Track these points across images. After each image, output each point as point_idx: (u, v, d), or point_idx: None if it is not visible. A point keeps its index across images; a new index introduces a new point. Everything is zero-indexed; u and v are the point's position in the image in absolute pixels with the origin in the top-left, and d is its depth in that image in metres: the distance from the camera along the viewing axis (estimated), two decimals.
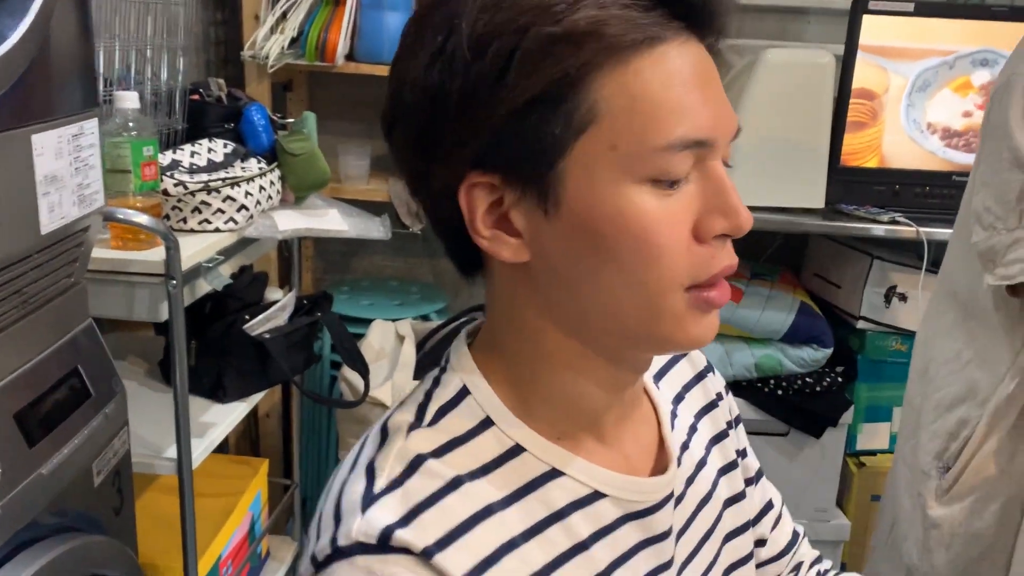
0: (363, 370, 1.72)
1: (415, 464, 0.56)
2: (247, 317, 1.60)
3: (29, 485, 0.99)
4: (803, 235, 2.33)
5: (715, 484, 0.73)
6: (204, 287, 1.48)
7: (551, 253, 0.56)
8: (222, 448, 2.27)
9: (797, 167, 1.90)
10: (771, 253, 2.44)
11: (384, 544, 0.52)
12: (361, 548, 0.52)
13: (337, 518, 0.54)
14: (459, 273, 0.64)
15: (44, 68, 0.98)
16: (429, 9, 0.56)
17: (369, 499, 0.54)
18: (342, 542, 0.53)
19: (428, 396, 0.61)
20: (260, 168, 1.57)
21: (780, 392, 2.02)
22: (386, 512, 0.53)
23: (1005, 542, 1.15)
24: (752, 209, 1.78)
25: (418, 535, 0.52)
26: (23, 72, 0.92)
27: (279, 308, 1.64)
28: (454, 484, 0.56)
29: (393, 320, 2.05)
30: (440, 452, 0.57)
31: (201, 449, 1.49)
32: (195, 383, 1.63)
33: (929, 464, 1.20)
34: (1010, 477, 1.13)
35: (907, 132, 1.94)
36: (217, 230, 1.48)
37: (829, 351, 2.00)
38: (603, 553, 0.60)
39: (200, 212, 1.46)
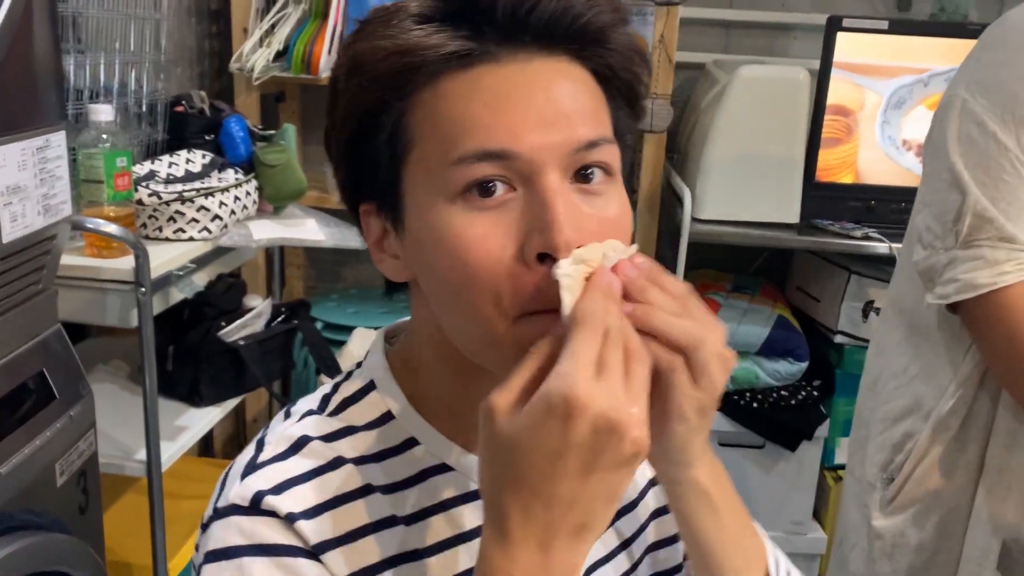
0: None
1: (299, 444, 0.60)
2: (223, 324, 1.64)
3: None
4: (788, 250, 2.35)
5: (642, 494, 0.73)
6: (177, 295, 1.52)
7: (416, 272, 0.60)
8: (208, 452, 2.31)
9: (773, 182, 1.92)
10: (757, 267, 2.46)
11: (255, 506, 0.56)
12: (235, 509, 0.57)
13: (222, 485, 0.60)
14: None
15: (7, 83, 1.03)
16: None
17: (250, 468, 0.59)
18: (221, 504, 0.58)
19: (335, 388, 0.66)
20: (236, 179, 1.61)
21: (756, 405, 2.04)
22: (261, 480, 0.58)
23: (949, 554, 1.16)
24: (728, 224, 1.80)
25: (285, 502, 0.57)
26: None
27: (255, 315, 1.67)
28: (335, 463, 0.60)
29: (375, 328, 2.08)
30: (331, 437, 0.62)
31: (173, 451, 1.52)
32: (172, 387, 1.67)
33: (875, 476, 1.21)
34: (951, 489, 1.14)
35: (883, 148, 1.96)
36: (191, 239, 1.52)
37: (804, 365, 2.02)
38: None
39: (175, 221, 1.51)
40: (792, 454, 2.07)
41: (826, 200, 1.96)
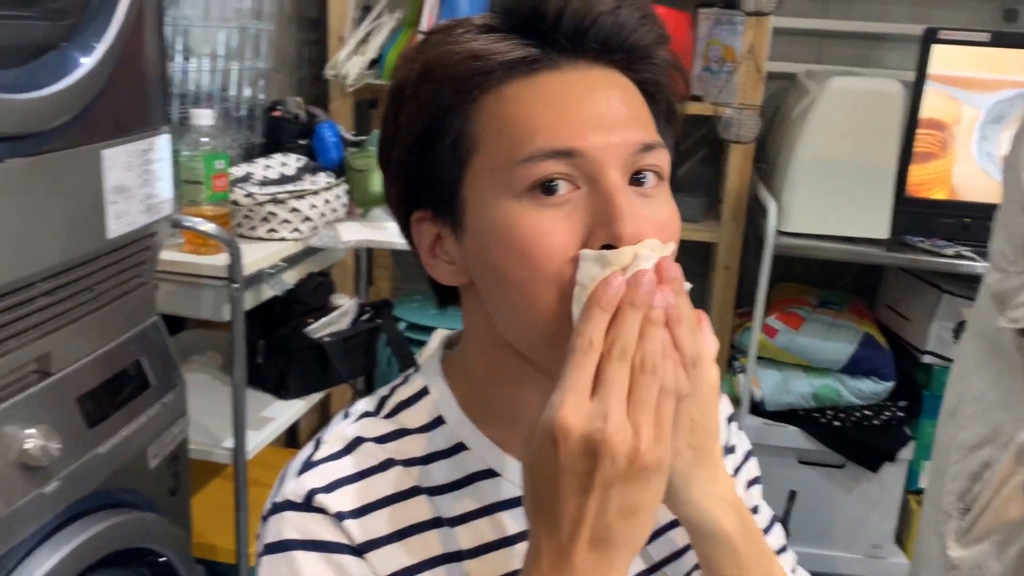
0: None
1: (353, 444, 0.64)
2: (310, 321, 1.71)
3: (86, 462, 1.10)
4: (878, 266, 2.29)
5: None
6: (268, 291, 1.59)
7: (473, 274, 0.62)
8: (293, 443, 2.40)
9: (862, 197, 1.87)
10: (846, 283, 2.40)
11: (308, 503, 0.60)
12: (290, 505, 0.60)
13: (281, 480, 0.64)
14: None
15: (117, 91, 1.10)
16: None
17: (306, 466, 0.63)
18: (278, 499, 0.61)
19: (392, 390, 0.69)
20: (327, 182, 1.67)
21: (837, 423, 1.99)
22: (314, 478, 0.61)
23: None
24: (814, 237, 1.77)
25: (335, 501, 0.60)
26: (95, 95, 1.03)
27: (340, 314, 1.74)
28: (385, 465, 0.63)
29: (455, 329, 2.12)
30: (384, 439, 0.65)
31: (259, 440, 1.60)
32: (261, 380, 1.75)
33: (951, 505, 1.18)
34: None
35: (980, 164, 1.89)
36: (283, 239, 1.59)
37: (890, 384, 1.97)
38: None
39: (268, 221, 1.58)
40: (874, 475, 2.02)
41: (917, 216, 1.91)
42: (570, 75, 0.58)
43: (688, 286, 0.57)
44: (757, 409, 2.04)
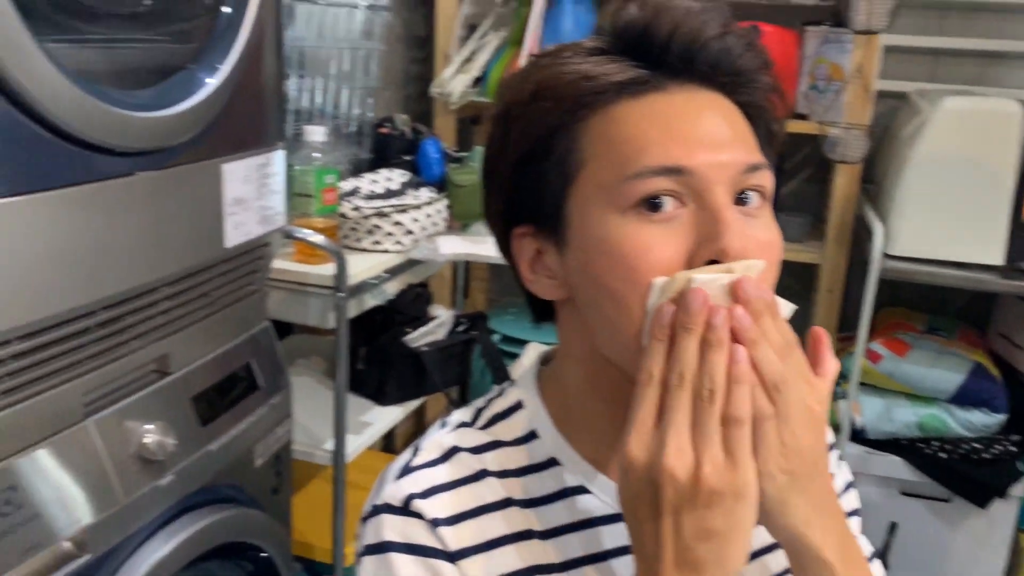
0: None
1: (449, 453, 0.66)
2: (408, 330, 1.76)
3: (198, 459, 1.17)
4: (992, 293, 2.19)
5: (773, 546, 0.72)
6: (370, 301, 1.65)
7: (573, 288, 0.63)
8: (390, 448, 2.47)
9: (975, 221, 1.80)
10: (957, 309, 2.31)
11: (406, 507, 0.63)
12: (389, 508, 0.63)
13: (380, 484, 0.66)
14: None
15: (238, 109, 1.17)
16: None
17: (404, 471, 0.65)
18: (377, 501, 0.64)
19: (488, 402, 0.71)
20: (429, 197, 1.72)
21: (944, 455, 1.92)
22: (412, 483, 0.64)
23: None
24: (923, 262, 1.71)
25: (431, 507, 0.63)
26: (218, 113, 1.10)
27: (437, 324, 1.78)
28: (479, 475, 0.65)
29: (549, 343, 2.14)
30: (479, 449, 0.67)
31: (357, 444, 1.65)
32: (361, 386, 1.81)
33: None
34: None
35: None
36: (386, 251, 1.65)
37: (1002, 417, 1.88)
38: (623, 570, 0.66)
39: (372, 234, 1.64)
40: (982, 512, 1.93)
41: None
42: (678, 96, 0.60)
43: (790, 308, 0.57)
44: (858, 437, 1.98)
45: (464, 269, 2.28)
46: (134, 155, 0.98)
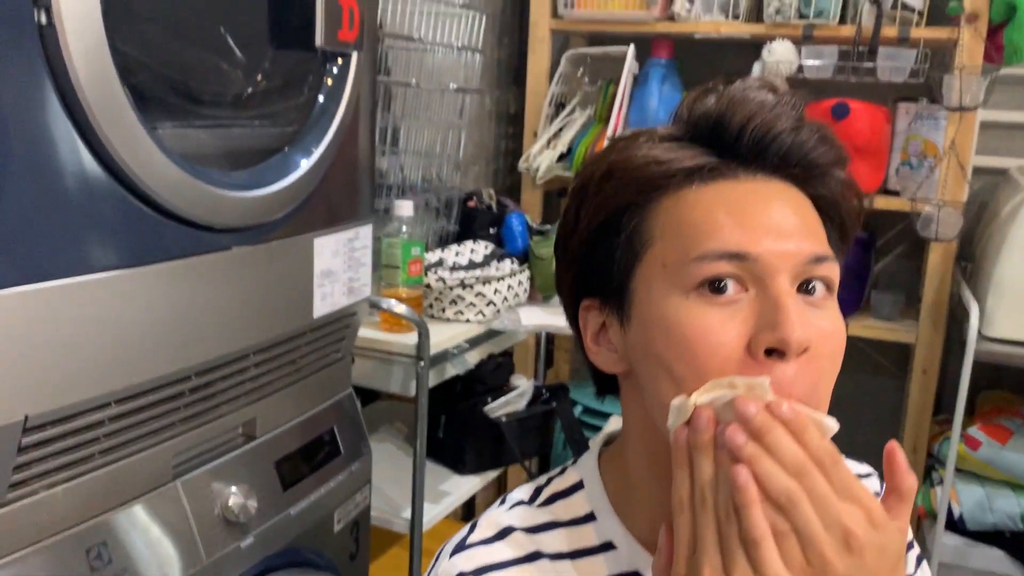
0: None
1: (504, 532, 0.67)
2: (489, 400, 1.78)
3: (279, 522, 1.21)
4: None
5: None
6: (451, 370, 1.68)
7: (633, 363, 0.64)
8: (468, 517, 2.47)
9: None
10: None
11: None
12: None
13: (437, 558, 0.68)
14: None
15: (330, 186, 1.23)
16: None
17: (459, 547, 0.66)
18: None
19: (548, 481, 0.72)
20: (512, 269, 1.76)
21: None
22: (465, 561, 0.65)
23: None
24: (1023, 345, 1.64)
25: None
26: (311, 191, 1.16)
27: (517, 395, 1.80)
28: (532, 557, 0.66)
29: None
30: (534, 530, 0.67)
31: (435, 513, 1.67)
32: (441, 454, 1.83)
33: None
34: None
35: None
36: (468, 321, 1.68)
37: None
38: None
39: (456, 304, 1.68)
40: None
41: None
42: (747, 185, 0.61)
43: (831, 424, 0.55)
44: (956, 527, 1.88)
45: (547, 340, 2.30)
46: (231, 231, 1.05)
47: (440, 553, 0.68)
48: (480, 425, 1.77)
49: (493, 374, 1.83)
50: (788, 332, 0.55)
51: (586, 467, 0.71)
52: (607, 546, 0.67)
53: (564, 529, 0.68)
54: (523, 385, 1.85)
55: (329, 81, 1.18)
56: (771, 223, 0.59)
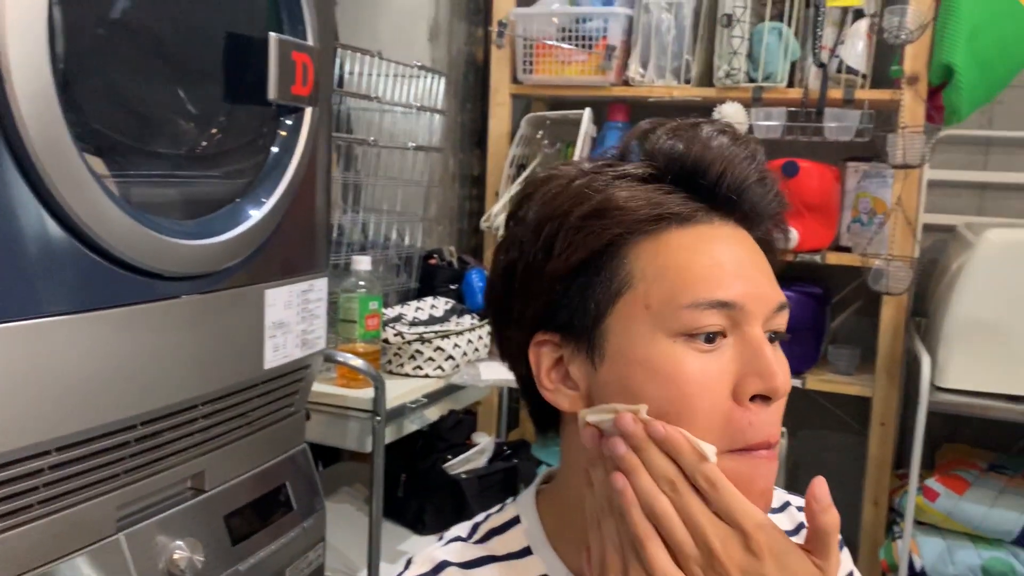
0: None
1: (438, 568, 0.67)
2: (449, 457, 1.77)
3: None
4: None
5: None
6: (410, 426, 1.67)
7: (598, 402, 0.63)
8: None
9: None
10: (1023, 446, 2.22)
11: None
12: None
13: None
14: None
15: (284, 239, 1.25)
16: (514, 210, 0.70)
17: None
18: None
19: (487, 517, 0.72)
20: (471, 324, 1.77)
21: None
22: None
23: None
24: (975, 395, 1.68)
25: None
26: (263, 243, 1.18)
27: (477, 451, 1.79)
28: None
29: None
30: (470, 564, 0.67)
31: (391, 573, 1.63)
32: (401, 514, 1.81)
33: None
34: None
35: None
36: (427, 376, 1.68)
37: None
38: None
39: (415, 359, 1.68)
40: None
41: None
42: (721, 231, 0.63)
43: (708, 450, 0.57)
44: None
45: (510, 398, 2.30)
46: (180, 279, 1.05)
47: None
48: (440, 483, 1.76)
49: (453, 431, 1.82)
50: (776, 381, 0.59)
51: (524, 503, 0.71)
52: None
53: (500, 564, 0.68)
54: (484, 442, 1.85)
55: (282, 134, 1.20)
56: (750, 272, 0.62)
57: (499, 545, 0.69)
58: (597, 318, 0.63)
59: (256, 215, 1.14)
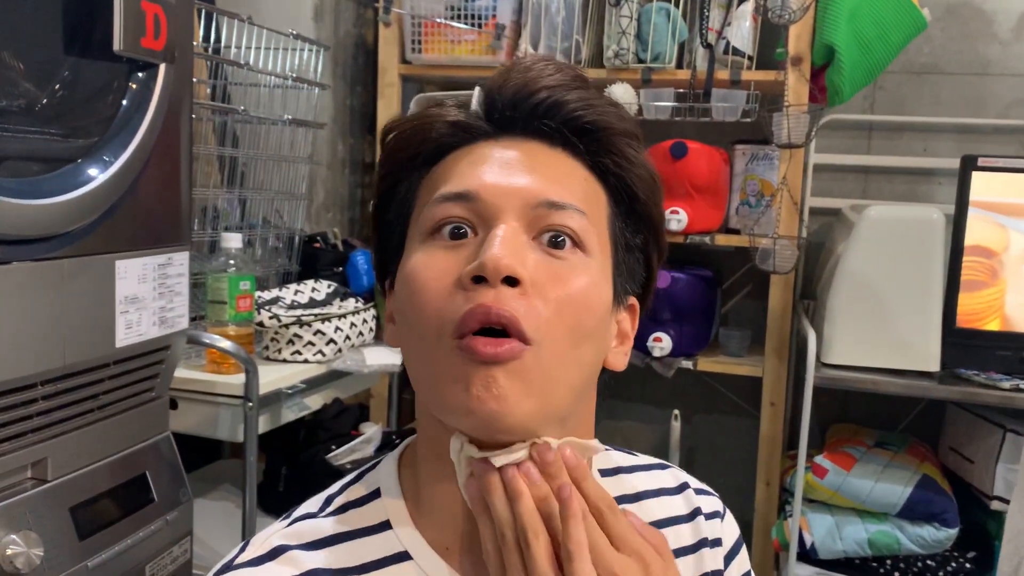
0: None
1: (275, 552, 0.59)
2: (333, 447, 1.69)
3: (72, 575, 1.08)
4: (940, 408, 2.16)
5: None
6: (288, 414, 1.59)
7: (403, 327, 0.60)
8: None
9: (908, 328, 1.79)
10: (906, 425, 2.27)
11: None
12: None
13: None
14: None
15: (136, 207, 1.15)
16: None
17: (223, 569, 0.58)
18: None
19: (342, 489, 0.65)
20: (355, 307, 1.69)
21: (897, 574, 1.83)
22: None
23: None
24: (859, 370, 1.69)
25: None
26: (108, 209, 1.08)
27: (363, 441, 1.71)
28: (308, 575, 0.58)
29: None
30: (315, 545, 0.60)
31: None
32: (283, 508, 1.71)
33: None
34: None
35: None
36: (306, 361, 1.60)
37: (953, 531, 1.81)
38: None
39: (293, 344, 1.60)
40: None
41: (970, 348, 1.81)
42: (504, 142, 0.60)
43: (594, 445, 0.57)
44: (808, 557, 1.89)
45: (402, 387, 2.23)
46: (8, 243, 0.95)
47: None
48: (322, 474, 1.67)
49: (337, 420, 1.74)
50: (486, 257, 0.53)
51: (384, 473, 0.64)
52: (402, 556, 0.60)
53: (354, 542, 0.60)
54: (370, 431, 1.77)
55: (133, 87, 1.11)
56: (502, 166, 0.58)
57: (356, 519, 0.61)
58: (398, 251, 0.61)
59: (100, 176, 1.05)
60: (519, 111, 0.60)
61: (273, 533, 0.61)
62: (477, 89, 0.63)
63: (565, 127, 0.60)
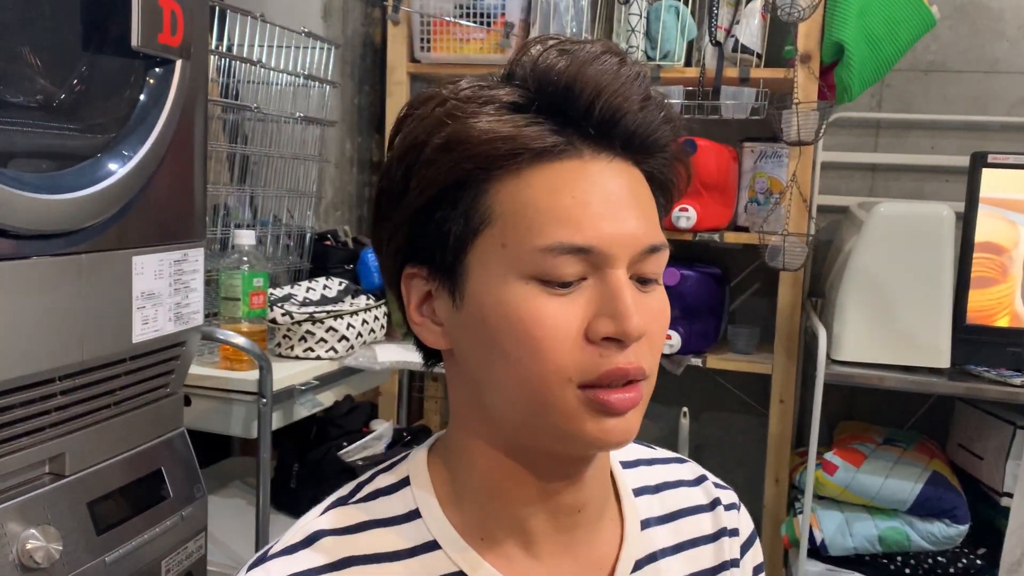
0: None
1: (311, 539, 0.60)
2: (344, 444, 1.69)
3: (90, 569, 1.08)
4: (949, 405, 2.17)
5: None
6: (301, 411, 1.59)
7: (461, 343, 0.60)
8: None
9: (918, 324, 1.79)
10: (915, 421, 2.27)
11: None
12: None
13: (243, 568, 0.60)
14: (423, 360, 0.69)
15: (153, 203, 1.15)
16: (394, 132, 0.64)
17: (259, 560, 0.59)
18: None
19: (372, 477, 0.65)
20: (367, 304, 1.69)
21: (908, 571, 1.83)
22: (264, 573, 0.57)
23: None
24: (869, 367, 1.69)
25: None
26: (127, 204, 1.08)
27: (374, 437, 1.72)
28: (342, 563, 0.59)
29: None
30: (350, 530, 0.60)
31: None
32: (294, 505, 1.72)
33: None
34: None
35: None
36: (319, 358, 1.60)
37: (964, 528, 1.81)
38: None
39: (305, 340, 1.60)
40: None
41: (980, 345, 1.81)
42: (592, 166, 0.58)
43: None
44: (818, 554, 1.89)
45: (411, 385, 2.23)
46: (30, 238, 0.96)
47: (244, 566, 0.60)
48: (335, 471, 1.67)
49: (348, 417, 1.74)
50: (628, 325, 0.55)
51: (415, 464, 0.64)
52: (431, 545, 0.61)
53: (384, 529, 0.61)
54: (381, 428, 1.77)
55: (151, 81, 1.11)
56: (617, 213, 0.57)
57: (385, 507, 0.62)
58: (457, 255, 0.59)
59: (119, 171, 1.05)
60: (604, 130, 0.58)
61: (309, 521, 0.62)
62: (530, 73, 0.59)
63: (644, 145, 0.60)
